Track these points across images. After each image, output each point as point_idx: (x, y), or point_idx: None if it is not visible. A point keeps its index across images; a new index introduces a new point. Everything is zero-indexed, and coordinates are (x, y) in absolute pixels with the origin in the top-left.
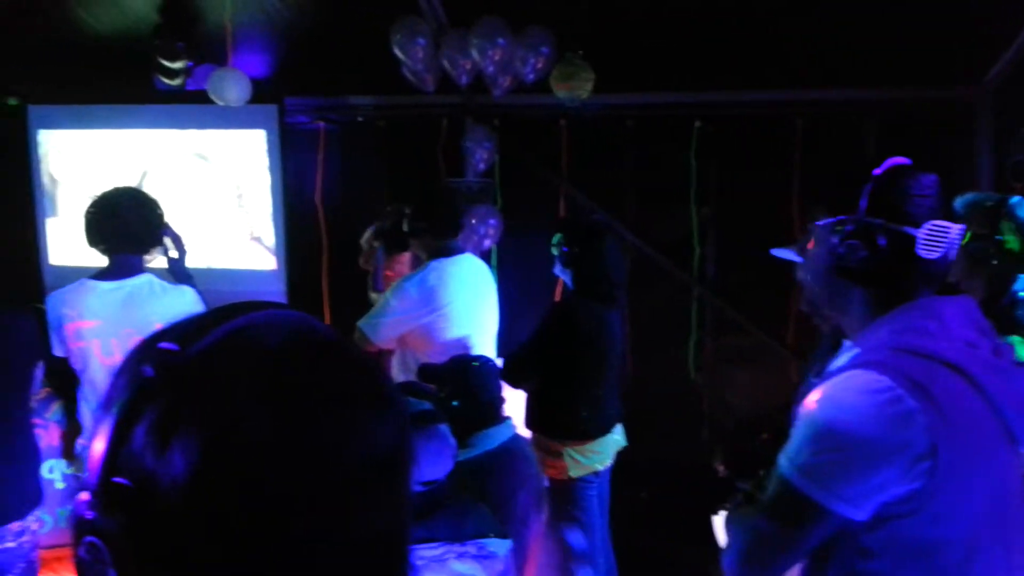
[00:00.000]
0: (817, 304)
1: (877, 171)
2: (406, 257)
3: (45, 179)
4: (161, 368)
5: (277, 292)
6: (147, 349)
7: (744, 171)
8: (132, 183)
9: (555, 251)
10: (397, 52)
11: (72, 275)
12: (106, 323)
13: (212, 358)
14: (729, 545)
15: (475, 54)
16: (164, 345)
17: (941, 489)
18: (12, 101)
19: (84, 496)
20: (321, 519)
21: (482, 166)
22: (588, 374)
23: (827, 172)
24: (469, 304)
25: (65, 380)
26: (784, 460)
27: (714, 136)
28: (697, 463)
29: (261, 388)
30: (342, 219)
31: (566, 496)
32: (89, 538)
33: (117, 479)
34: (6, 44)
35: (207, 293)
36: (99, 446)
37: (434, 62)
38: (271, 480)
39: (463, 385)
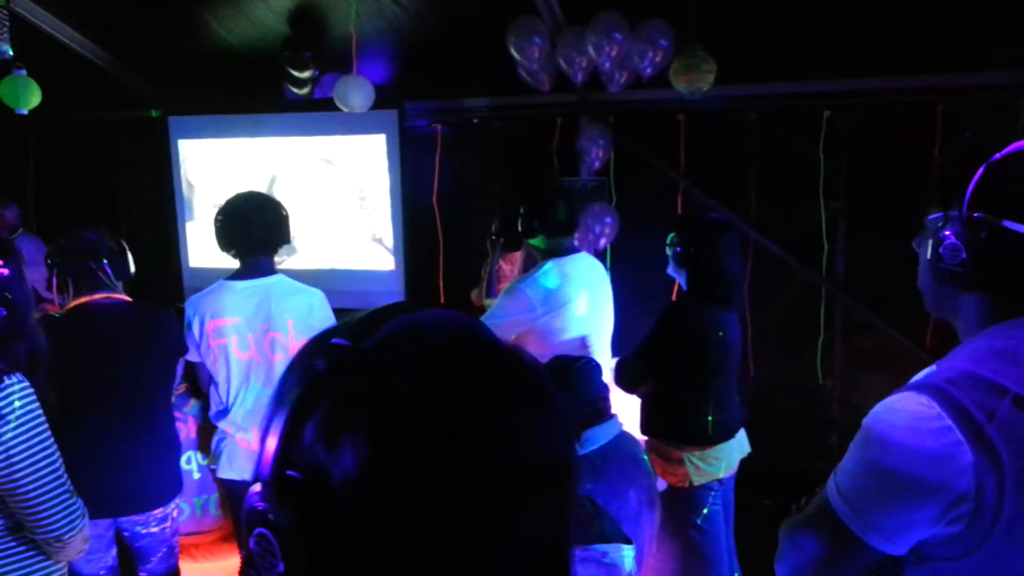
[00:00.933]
0: (932, 310)
1: (996, 156)
2: (516, 258)
3: (183, 186)
4: (333, 363)
5: (395, 292)
6: (319, 345)
7: (877, 163)
8: (262, 188)
9: (669, 251)
10: (513, 53)
11: (209, 276)
12: (243, 320)
13: (382, 354)
14: (782, 555)
15: (591, 51)
16: (336, 341)
17: (992, 536)
18: (154, 113)
19: (256, 488)
20: (489, 519)
21: (597, 164)
22: (705, 378)
23: (968, 162)
24: (586, 305)
25: (200, 378)
26: (833, 475)
27: (844, 126)
28: (826, 471)
29: (431, 385)
30: (458, 220)
31: (687, 504)
32: (260, 529)
33: (289, 472)
34: (150, 61)
35: (330, 294)
36: (272, 440)
37: (550, 61)
38: (442, 477)
39: (564, 386)
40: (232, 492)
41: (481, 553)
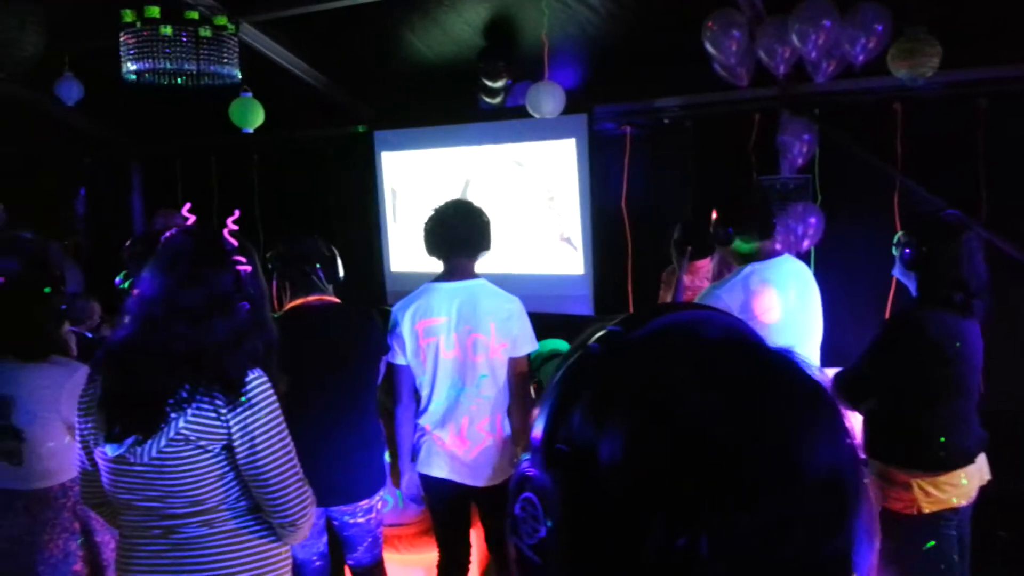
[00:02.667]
0: None
1: None
2: (705, 266)
3: (386, 195)
4: (607, 346)
5: (584, 297)
6: (595, 331)
7: None
8: (456, 194)
9: (896, 251)
10: (708, 48)
11: (408, 280)
12: (449, 320)
13: (654, 342)
14: None
15: (795, 40)
16: (612, 328)
17: None
18: (361, 128)
19: (525, 459)
20: (759, 525)
21: (800, 161)
22: (940, 395)
23: None
24: (791, 312)
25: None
26: None
27: None
28: None
29: (702, 375)
30: (646, 223)
31: (914, 533)
32: (526, 494)
33: (559, 445)
34: (359, 79)
35: (519, 297)
36: (544, 413)
37: (748, 54)
38: (709, 470)
39: None
40: (430, 488)
41: (743, 553)
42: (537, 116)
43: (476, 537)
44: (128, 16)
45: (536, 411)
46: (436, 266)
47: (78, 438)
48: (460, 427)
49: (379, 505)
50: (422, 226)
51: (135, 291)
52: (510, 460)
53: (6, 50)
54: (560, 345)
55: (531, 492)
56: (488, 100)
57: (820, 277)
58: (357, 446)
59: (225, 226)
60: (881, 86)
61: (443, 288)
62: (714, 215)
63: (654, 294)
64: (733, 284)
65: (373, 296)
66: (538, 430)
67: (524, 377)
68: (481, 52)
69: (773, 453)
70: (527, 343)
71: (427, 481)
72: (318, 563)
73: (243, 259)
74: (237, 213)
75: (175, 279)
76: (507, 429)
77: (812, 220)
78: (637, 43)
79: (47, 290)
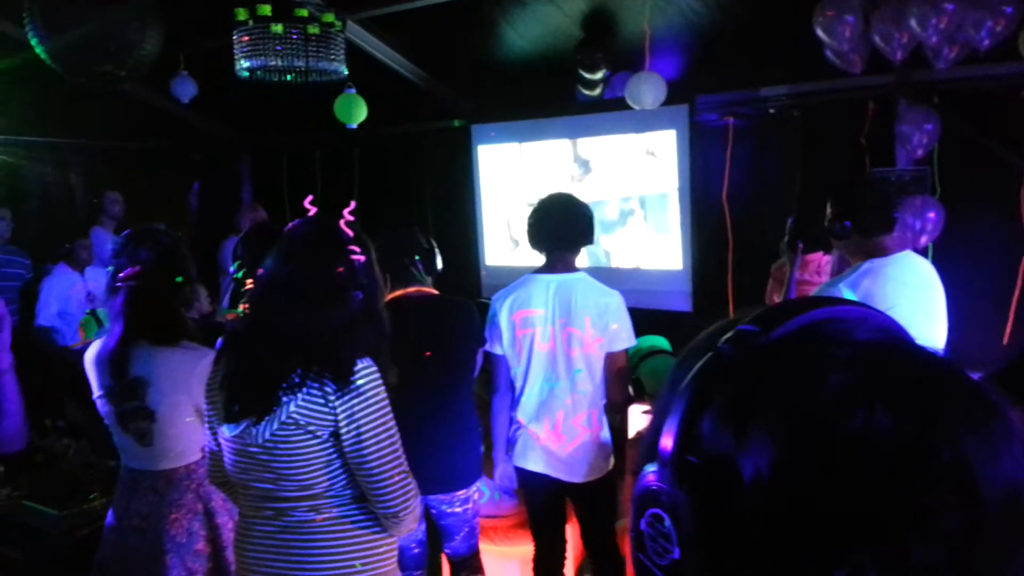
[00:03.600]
0: None
1: None
2: (816, 260)
3: (482, 189)
4: (741, 347)
5: (682, 293)
6: (724, 330)
7: None
8: (553, 188)
9: None
10: (820, 34)
11: (503, 273)
12: (546, 312)
13: (799, 343)
14: None
15: (914, 25)
16: (744, 327)
17: None
18: (457, 123)
19: (651, 469)
20: (934, 554)
21: (920, 152)
22: None
23: None
24: (914, 311)
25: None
26: None
27: None
28: None
29: (864, 383)
30: (749, 217)
31: None
32: (654, 510)
33: (690, 457)
34: (457, 74)
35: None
36: (673, 422)
37: (862, 40)
38: (875, 491)
39: None
40: (525, 481)
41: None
42: (637, 107)
43: (571, 532)
44: (241, 15)
45: (661, 418)
46: (531, 259)
47: (206, 418)
48: (555, 421)
49: (476, 496)
50: (524, 219)
51: (256, 276)
52: (607, 457)
53: (128, 50)
54: (659, 342)
55: (660, 508)
56: (586, 92)
57: (939, 275)
58: (455, 436)
59: (342, 217)
60: (1009, 72)
61: (542, 280)
62: (829, 209)
63: (756, 290)
64: (853, 280)
65: (468, 289)
66: (667, 440)
67: (622, 373)
68: (579, 43)
69: (952, 471)
70: (624, 339)
71: (522, 475)
72: (416, 550)
73: (358, 249)
74: (354, 204)
75: (294, 266)
76: (605, 425)
77: (931, 215)
78: (743, 31)
79: (179, 279)
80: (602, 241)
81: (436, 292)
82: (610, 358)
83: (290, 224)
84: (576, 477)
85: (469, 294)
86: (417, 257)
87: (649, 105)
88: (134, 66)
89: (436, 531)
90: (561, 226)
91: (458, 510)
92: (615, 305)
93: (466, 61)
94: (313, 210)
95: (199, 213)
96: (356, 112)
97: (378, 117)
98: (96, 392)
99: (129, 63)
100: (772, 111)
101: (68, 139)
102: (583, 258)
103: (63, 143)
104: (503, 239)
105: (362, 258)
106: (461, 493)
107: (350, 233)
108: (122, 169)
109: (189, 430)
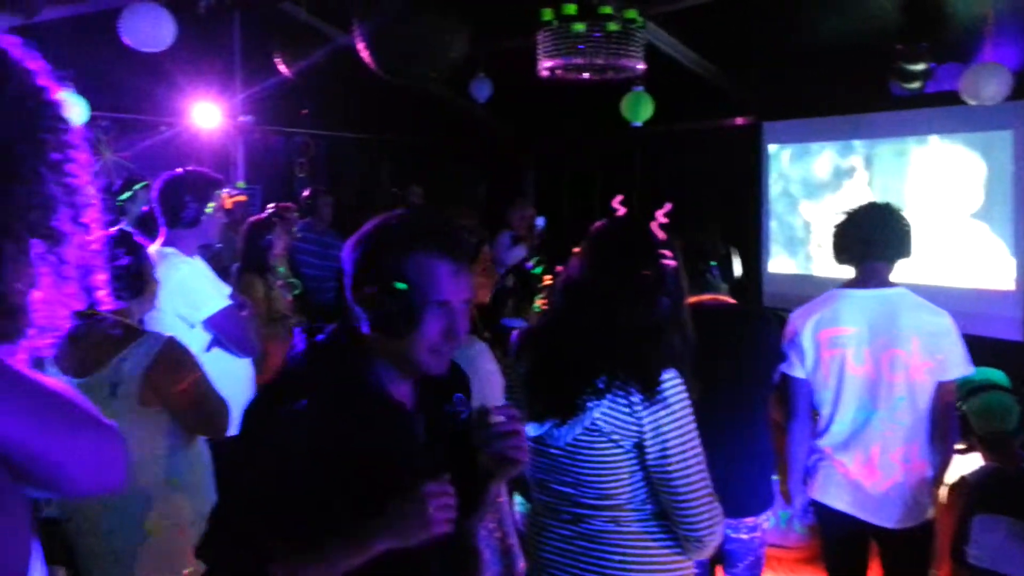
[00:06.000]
0: None
1: None
2: None
3: (769, 191)
4: None
5: (1013, 318)
6: None
7: None
8: (853, 192)
9: None
10: None
11: (786, 282)
12: (861, 331)
13: None
14: None
15: None
16: None
17: None
18: (747, 119)
19: None
20: None
21: None
22: None
23: None
24: None
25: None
26: None
27: None
28: None
29: None
30: None
31: None
32: None
33: None
34: (749, 68)
35: None
36: None
37: None
38: None
39: None
40: (824, 518)
41: None
42: (973, 103)
43: None
44: (547, 15)
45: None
46: (819, 269)
47: None
48: (869, 455)
49: (765, 524)
50: (832, 226)
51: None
52: (927, 500)
53: (437, 51)
54: (994, 375)
55: None
56: (904, 86)
57: None
58: (748, 460)
59: (654, 218)
60: None
61: (854, 296)
62: None
63: None
64: None
65: (747, 297)
66: None
67: (950, 406)
68: (900, 31)
69: None
70: (959, 365)
71: (822, 511)
72: (696, 571)
73: (669, 253)
74: (669, 206)
75: (601, 267)
76: (928, 463)
77: None
78: None
79: None
80: (919, 254)
81: (732, 301)
82: (941, 387)
83: (598, 223)
84: (888, 521)
85: (748, 303)
86: (713, 263)
87: (989, 100)
88: (444, 68)
89: (718, 555)
90: (877, 236)
91: (744, 537)
92: (947, 327)
93: (759, 53)
94: (622, 210)
95: (485, 207)
96: (643, 110)
97: (661, 114)
98: None
99: (441, 65)
100: None
101: (380, 135)
102: (897, 273)
103: (376, 139)
104: (790, 246)
105: (673, 263)
106: (750, 520)
107: (662, 236)
108: (423, 163)
109: None
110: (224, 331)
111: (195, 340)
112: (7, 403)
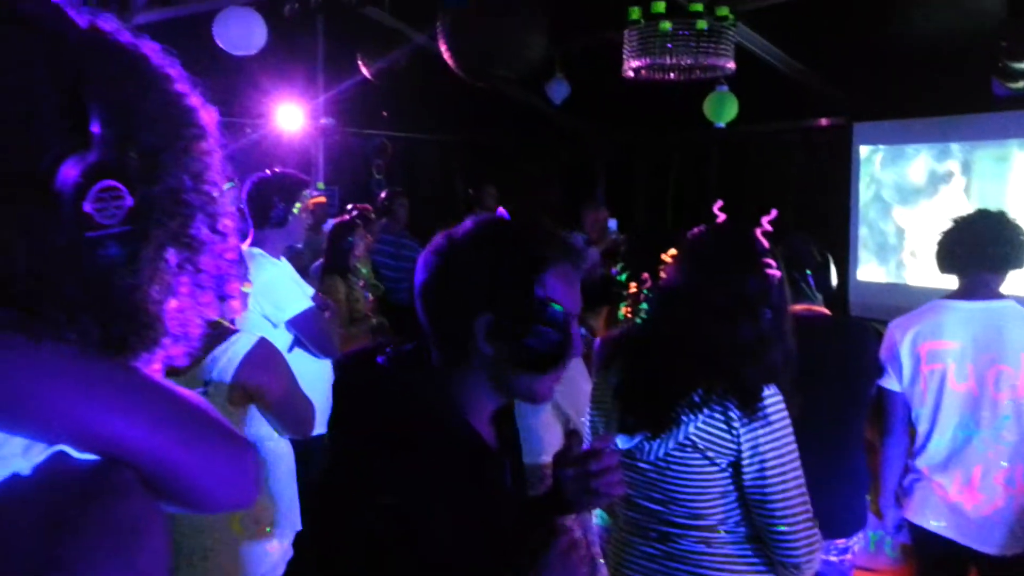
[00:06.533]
0: None
1: None
2: None
3: (859, 195)
4: None
5: None
6: None
7: None
8: (951, 198)
9: None
10: None
11: (876, 291)
12: (964, 346)
13: None
14: None
15: None
16: None
17: None
18: (835, 120)
19: None
20: None
21: None
22: None
23: None
24: None
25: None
26: None
27: None
28: None
29: None
30: None
31: None
32: None
33: None
34: (840, 66)
35: None
36: None
37: None
38: None
39: None
40: (920, 541)
41: None
42: None
43: None
44: (634, 13)
45: None
46: (911, 278)
47: (587, 424)
48: (970, 476)
49: (856, 547)
50: (937, 234)
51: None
52: None
53: (516, 51)
54: None
55: None
56: (1007, 85)
57: None
58: (841, 478)
59: (759, 225)
60: None
61: (958, 307)
62: None
63: None
64: None
65: (833, 306)
66: None
67: None
68: (1003, 27)
69: None
70: None
71: (917, 533)
72: None
73: (773, 263)
74: (775, 212)
75: (702, 275)
76: None
77: None
78: None
79: None
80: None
81: (827, 312)
82: None
83: (696, 229)
84: (990, 547)
85: (833, 312)
86: (809, 272)
87: None
88: (523, 67)
89: None
90: (986, 245)
91: (834, 559)
92: None
93: (851, 51)
94: (722, 216)
95: (557, 209)
96: (728, 110)
97: (742, 114)
98: None
99: (518, 66)
100: None
101: (455, 136)
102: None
103: (451, 140)
104: (880, 253)
105: (777, 273)
106: (841, 542)
107: (766, 244)
108: (496, 164)
109: (550, 430)
110: (306, 332)
111: (278, 340)
112: (147, 416)
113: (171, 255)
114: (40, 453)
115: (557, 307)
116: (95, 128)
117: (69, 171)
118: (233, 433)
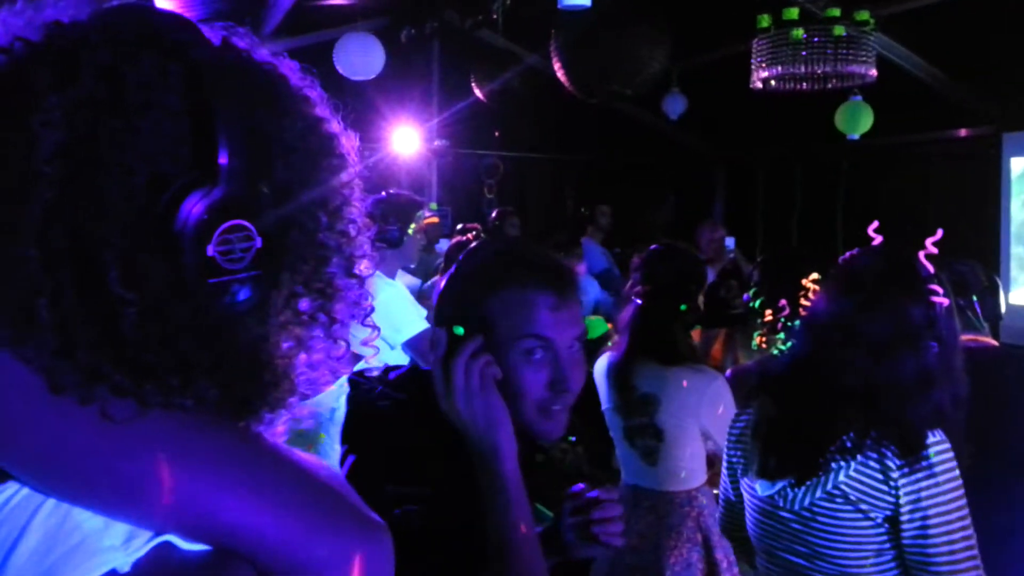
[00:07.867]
0: None
1: None
2: None
3: (1013, 212)
4: None
5: None
6: None
7: None
8: None
9: None
10: None
11: None
12: None
13: None
14: None
15: None
16: None
17: None
18: (981, 130)
19: None
20: None
21: None
22: None
23: None
24: None
25: None
26: None
27: None
28: None
29: None
30: None
31: None
32: None
33: None
34: (983, 73)
35: None
36: None
37: None
38: None
39: None
40: None
41: None
42: None
43: None
44: (764, 21)
45: None
46: None
47: (725, 465)
48: None
49: None
50: None
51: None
52: None
53: (635, 67)
54: None
55: None
56: None
57: None
58: (1019, 538)
59: (923, 247)
60: None
61: None
62: None
63: None
64: None
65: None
66: None
67: None
68: None
69: None
70: None
71: None
72: None
73: (940, 290)
74: (940, 233)
75: (857, 303)
76: None
77: None
78: None
79: (683, 307)
80: None
81: (996, 344)
82: None
83: (849, 253)
84: None
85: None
86: (975, 297)
87: None
88: (640, 84)
89: None
90: None
91: None
92: None
93: (999, 56)
94: (878, 238)
95: (673, 227)
96: (863, 121)
97: (875, 126)
98: (604, 404)
99: (636, 81)
100: None
101: (566, 155)
102: None
103: (562, 159)
104: None
105: (945, 301)
106: None
107: (930, 269)
108: (608, 182)
109: (695, 455)
110: (423, 354)
111: (394, 362)
112: (272, 498)
113: (303, 303)
114: (143, 545)
115: (458, 329)
116: (223, 159)
117: (192, 208)
118: (368, 516)
